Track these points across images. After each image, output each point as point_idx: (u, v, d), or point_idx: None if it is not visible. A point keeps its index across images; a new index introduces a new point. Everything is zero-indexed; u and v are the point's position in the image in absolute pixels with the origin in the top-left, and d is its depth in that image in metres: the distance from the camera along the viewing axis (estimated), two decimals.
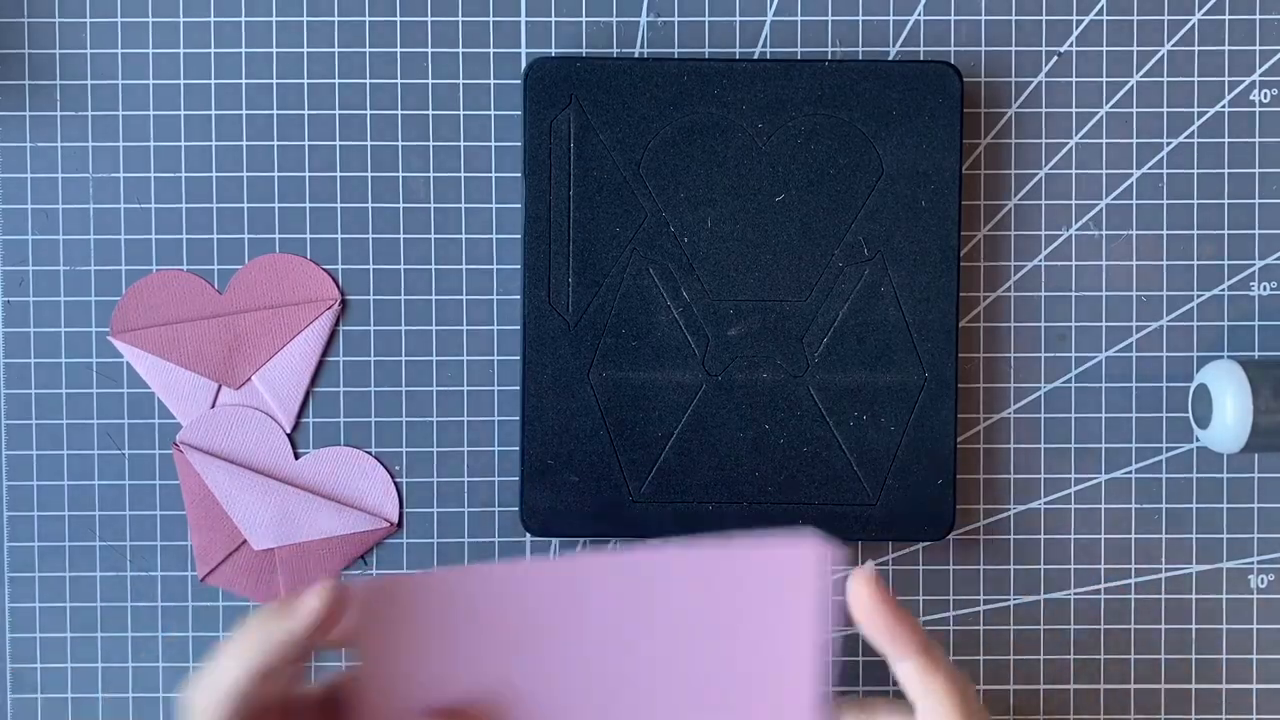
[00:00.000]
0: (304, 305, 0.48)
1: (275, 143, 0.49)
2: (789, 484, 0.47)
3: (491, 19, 0.49)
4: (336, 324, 0.48)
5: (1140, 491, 0.49)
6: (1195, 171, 0.49)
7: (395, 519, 0.48)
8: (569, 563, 0.39)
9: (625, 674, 0.38)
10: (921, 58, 0.48)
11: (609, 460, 0.47)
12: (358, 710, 0.37)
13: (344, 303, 0.48)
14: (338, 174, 0.49)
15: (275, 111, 0.49)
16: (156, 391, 0.48)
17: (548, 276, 0.47)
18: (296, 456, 0.48)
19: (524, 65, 0.48)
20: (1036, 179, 0.49)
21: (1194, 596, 0.49)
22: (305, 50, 0.49)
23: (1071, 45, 0.49)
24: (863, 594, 0.38)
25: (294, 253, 0.49)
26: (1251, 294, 0.49)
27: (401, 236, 0.49)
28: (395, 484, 0.48)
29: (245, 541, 0.48)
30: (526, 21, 0.49)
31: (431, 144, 0.49)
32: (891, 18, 0.48)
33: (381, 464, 0.48)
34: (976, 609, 0.49)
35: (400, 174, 0.49)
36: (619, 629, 0.38)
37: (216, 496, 0.48)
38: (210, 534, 0.48)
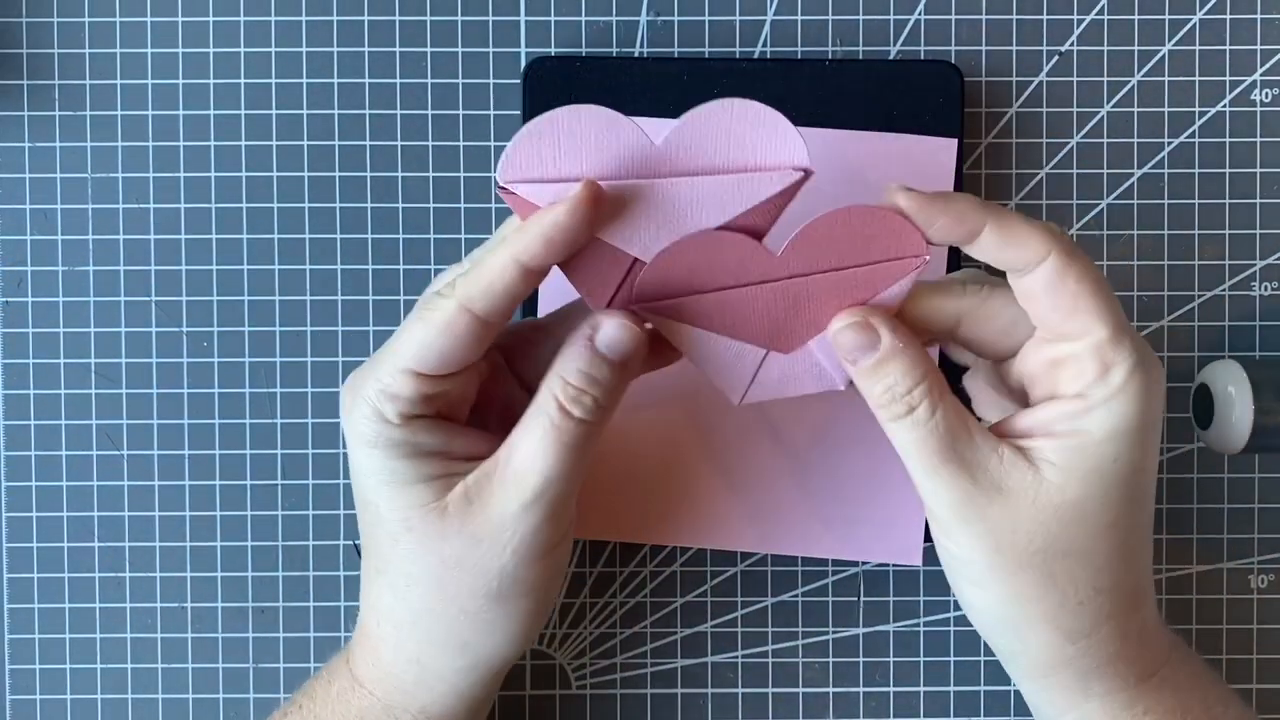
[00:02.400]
0: (885, 264, 0.38)
1: (274, 143, 0.48)
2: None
3: (491, 19, 0.48)
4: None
5: None
6: (1196, 171, 0.48)
7: (806, 163, 0.37)
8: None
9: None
10: (922, 57, 0.48)
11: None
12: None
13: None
14: (336, 174, 0.49)
15: (274, 111, 0.48)
16: (692, 360, 0.40)
17: None
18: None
19: (524, 65, 0.48)
20: (1037, 179, 0.48)
21: (1194, 597, 0.49)
22: (304, 50, 0.48)
23: (1073, 44, 0.48)
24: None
25: (293, 252, 0.48)
26: (1253, 294, 0.49)
27: (401, 237, 0.48)
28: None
29: (635, 259, 0.38)
30: (526, 21, 0.48)
31: (431, 144, 0.48)
32: (892, 17, 0.48)
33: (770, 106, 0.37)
34: None
35: (400, 174, 0.48)
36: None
37: None
38: (589, 266, 0.38)
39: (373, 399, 0.37)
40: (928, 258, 0.37)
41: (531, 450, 0.37)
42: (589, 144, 0.36)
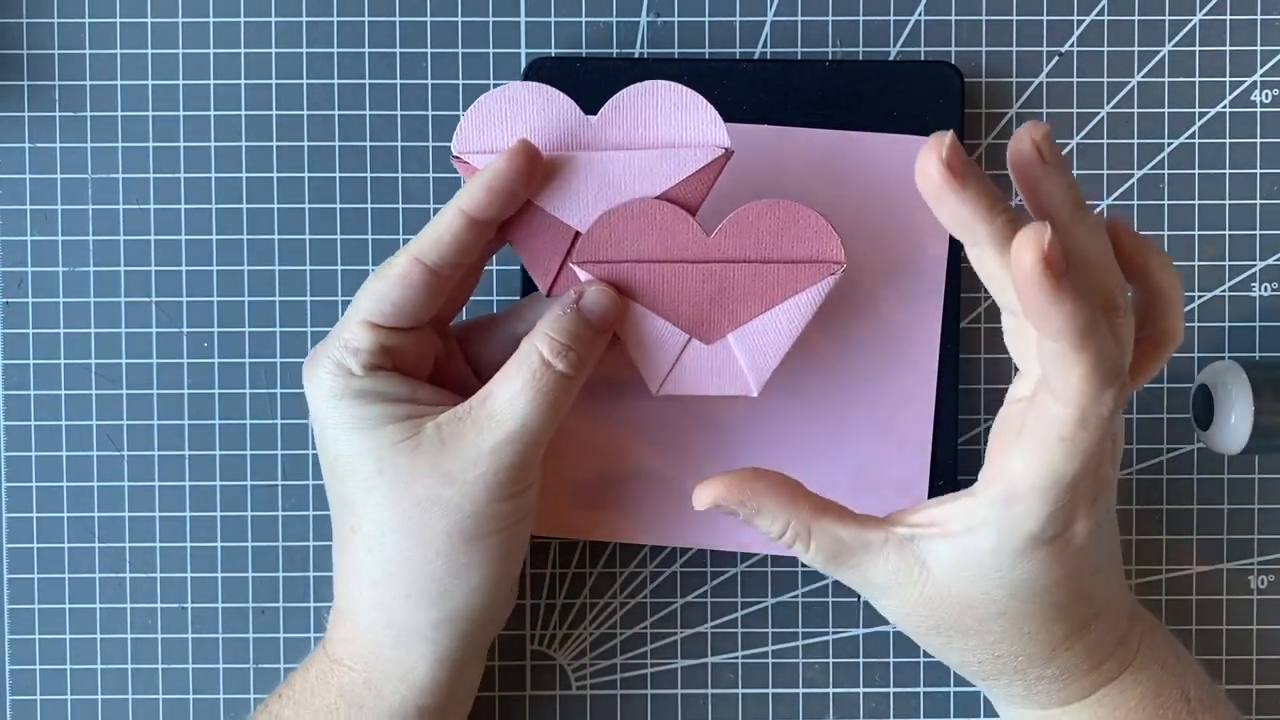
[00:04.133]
0: (805, 265, 0.42)
1: (274, 143, 0.48)
2: None
3: (491, 19, 0.48)
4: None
5: (1141, 492, 0.49)
6: (1196, 172, 0.49)
7: (726, 143, 0.41)
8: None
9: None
10: (922, 58, 0.48)
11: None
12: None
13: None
14: (336, 175, 0.49)
15: (274, 112, 0.48)
16: (619, 334, 0.42)
17: None
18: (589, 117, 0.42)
19: (524, 65, 0.48)
20: None
21: (1194, 597, 0.49)
22: (304, 50, 0.48)
23: (1073, 45, 0.48)
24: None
25: (294, 253, 0.48)
26: (1253, 295, 0.49)
27: (401, 237, 0.48)
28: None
29: (577, 232, 0.42)
30: (526, 21, 0.48)
31: (431, 144, 0.48)
32: (892, 18, 0.48)
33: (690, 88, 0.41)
34: None
35: (400, 175, 0.49)
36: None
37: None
38: (534, 239, 0.42)
39: (335, 356, 0.40)
40: (844, 266, 0.41)
41: (511, 395, 0.39)
42: (532, 118, 0.41)
